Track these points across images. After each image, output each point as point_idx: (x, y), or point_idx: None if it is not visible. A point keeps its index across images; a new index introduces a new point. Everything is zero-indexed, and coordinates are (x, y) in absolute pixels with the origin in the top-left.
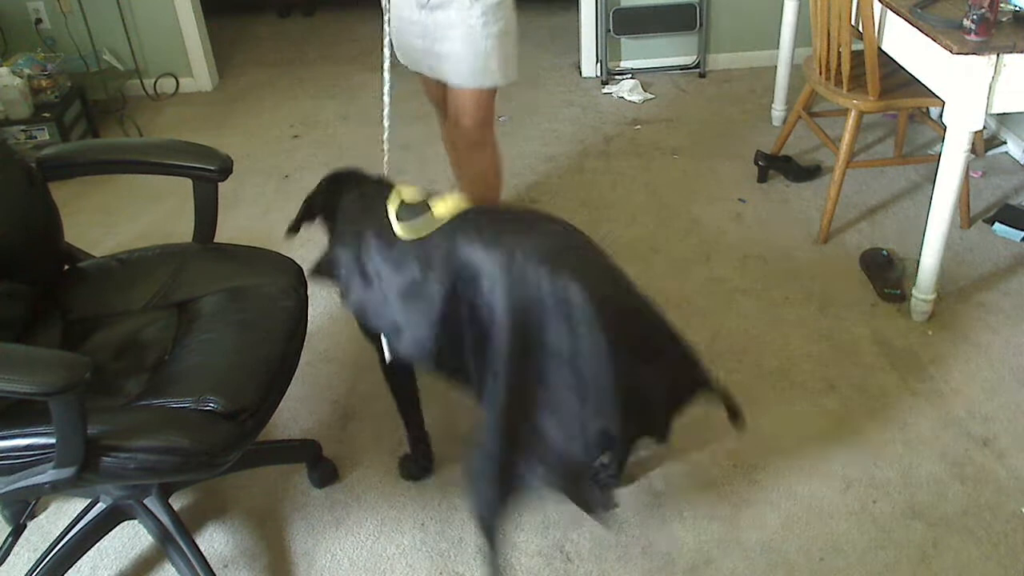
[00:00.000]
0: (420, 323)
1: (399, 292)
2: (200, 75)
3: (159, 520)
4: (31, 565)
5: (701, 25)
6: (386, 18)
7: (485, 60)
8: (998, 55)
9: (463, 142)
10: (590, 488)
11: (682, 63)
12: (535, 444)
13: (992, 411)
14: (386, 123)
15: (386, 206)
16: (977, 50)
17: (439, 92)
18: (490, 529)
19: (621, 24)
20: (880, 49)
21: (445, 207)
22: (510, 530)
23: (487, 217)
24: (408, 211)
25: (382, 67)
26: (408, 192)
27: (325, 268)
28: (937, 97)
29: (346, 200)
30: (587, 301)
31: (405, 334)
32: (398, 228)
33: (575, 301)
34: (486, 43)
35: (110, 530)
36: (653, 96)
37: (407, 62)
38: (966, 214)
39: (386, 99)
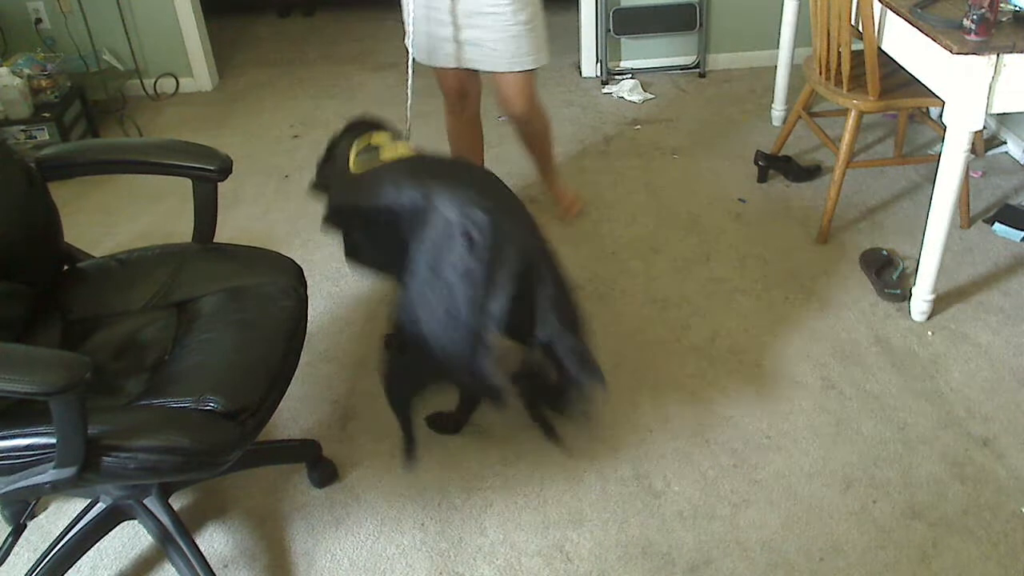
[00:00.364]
0: (362, 241)
1: (350, 215)
2: (200, 75)
3: (159, 520)
4: (31, 565)
5: (701, 25)
6: (410, 7)
7: (517, 46)
8: (998, 55)
9: (517, 118)
10: (482, 380)
11: (682, 63)
12: (438, 339)
13: (992, 411)
14: (409, 99)
15: (353, 145)
16: (977, 50)
17: (456, 82)
18: (401, 413)
19: (621, 24)
20: (880, 49)
21: (393, 152)
22: (510, 530)
23: (420, 161)
24: (366, 151)
25: (406, 49)
26: (379, 138)
27: (319, 183)
28: (937, 97)
29: (344, 139)
30: (488, 227)
31: (356, 248)
32: (352, 163)
33: (480, 226)
34: (516, 29)
35: (110, 530)
36: (653, 96)
37: (424, 55)
38: (966, 214)
39: (409, 81)
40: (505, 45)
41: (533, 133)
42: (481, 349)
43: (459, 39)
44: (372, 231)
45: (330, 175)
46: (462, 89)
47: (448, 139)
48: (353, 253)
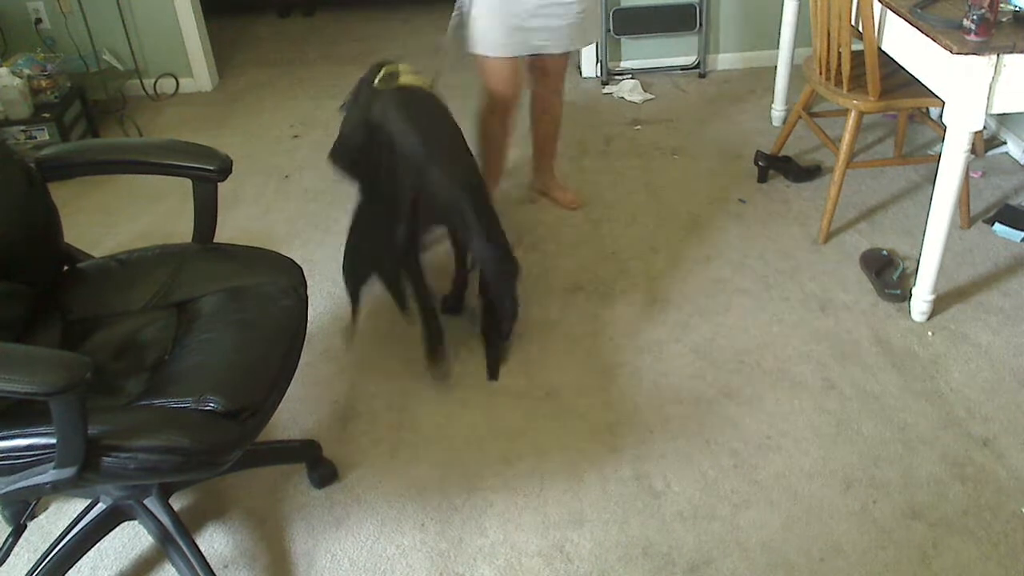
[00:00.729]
0: (347, 143)
1: (349, 117)
2: (200, 75)
3: (159, 520)
4: (31, 566)
5: (701, 25)
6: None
7: (581, 29)
8: (998, 55)
9: (555, 97)
10: (403, 287)
11: (682, 63)
12: (380, 239)
13: (992, 411)
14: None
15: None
16: (977, 50)
17: (516, 74)
18: (352, 296)
19: (621, 24)
20: (880, 49)
21: (408, 79)
22: (510, 530)
23: (416, 98)
24: (389, 75)
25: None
26: (403, 67)
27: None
28: (937, 97)
29: (373, 70)
30: (423, 154)
31: (339, 149)
32: (376, 82)
33: (416, 154)
34: (581, 16)
35: (110, 530)
36: (653, 96)
37: (497, 48)
38: (966, 214)
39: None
40: (570, 29)
41: (556, 115)
42: (403, 260)
43: (532, 27)
44: (355, 137)
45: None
46: (517, 83)
47: (482, 141)
48: (335, 153)
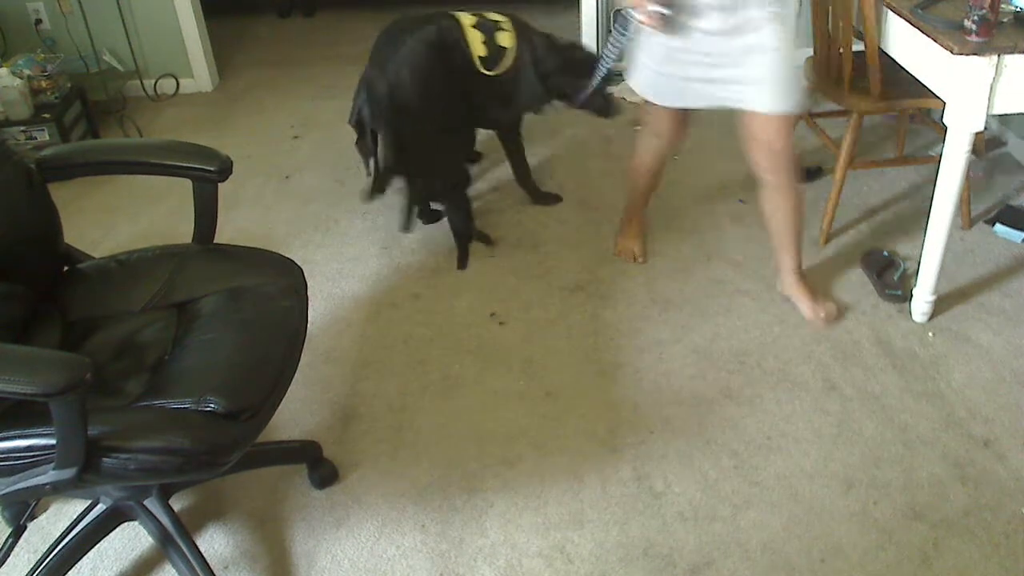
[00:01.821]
0: None
1: None
2: (200, 75)
3: (159, 521)
4: (31, 566)
5: None
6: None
7: (787, 83)
8: (999, 56)
9: (777, 177)
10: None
11: None
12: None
13: (993, 412)
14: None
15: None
16: (978, 51)
17: (680, 124)
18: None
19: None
20: (881, 50)
21: (462, 18)
22: (511, 531)
23: (406, 22)
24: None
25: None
26: (464, 11)
27: None
28: (938, 98)
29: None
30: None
31: None
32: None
33: (398, 71)
34: (786, 66)
35: (110, 531)
36: None
37: (652, 91)
38: (967, 215)
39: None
40: (778, 81)
41: (785, 207)
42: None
43: (718, 77)
44: None
45: None
46: (679, 129)
47: (634, 175)
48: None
